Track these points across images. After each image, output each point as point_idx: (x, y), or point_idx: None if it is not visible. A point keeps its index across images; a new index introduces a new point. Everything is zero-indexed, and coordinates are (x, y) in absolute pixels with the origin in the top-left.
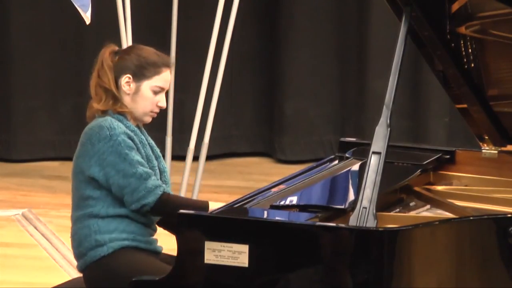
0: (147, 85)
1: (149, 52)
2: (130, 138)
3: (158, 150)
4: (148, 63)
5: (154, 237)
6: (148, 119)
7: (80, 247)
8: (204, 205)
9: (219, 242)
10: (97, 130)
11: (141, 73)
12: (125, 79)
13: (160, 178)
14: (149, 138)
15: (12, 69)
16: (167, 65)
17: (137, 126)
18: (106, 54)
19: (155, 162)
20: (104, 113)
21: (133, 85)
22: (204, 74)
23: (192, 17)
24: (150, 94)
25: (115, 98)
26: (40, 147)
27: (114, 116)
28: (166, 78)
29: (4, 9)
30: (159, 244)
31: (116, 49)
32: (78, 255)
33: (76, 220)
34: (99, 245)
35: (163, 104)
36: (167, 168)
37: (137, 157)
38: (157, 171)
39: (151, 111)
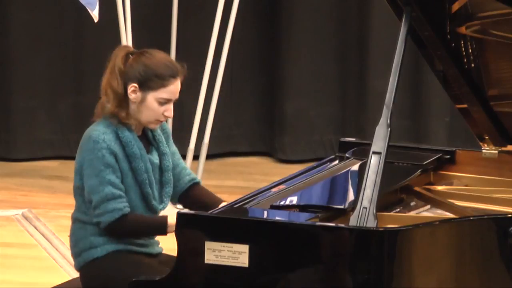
0: (152, 97)
1: (158, 61)
2: (113, 153)
3: (167, 162)
4: (154, 75)
5: (156, 238)
6: (153, 126)
7: (75, 247)
8: (162, 220)
9: (219, 242)
10: (86, 139)
11: (146, 84)
12: (131, 87)
13: (161, 192)
14: (154, 151)
15: (12, 69)
16: (175, 76)
17: (144, 134)
18: (119, 56)
19: (144, 176)
20: (108, 117)
21: (139, 94)
22: (204, 74)
23: (192, 17)
24: (156, 105)
25: (122, 103)
26: (39, 147)
27: (111, 125)
28: (173, 90)
29: (4, 9)
30: (160, 245)
31: (131, 51)
32: (74, 255)
33: (75, 220)
34: (93, 247)
35: (169, 114)
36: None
37: (110, 176)
38: (147, 183)
39: (156, 120)
